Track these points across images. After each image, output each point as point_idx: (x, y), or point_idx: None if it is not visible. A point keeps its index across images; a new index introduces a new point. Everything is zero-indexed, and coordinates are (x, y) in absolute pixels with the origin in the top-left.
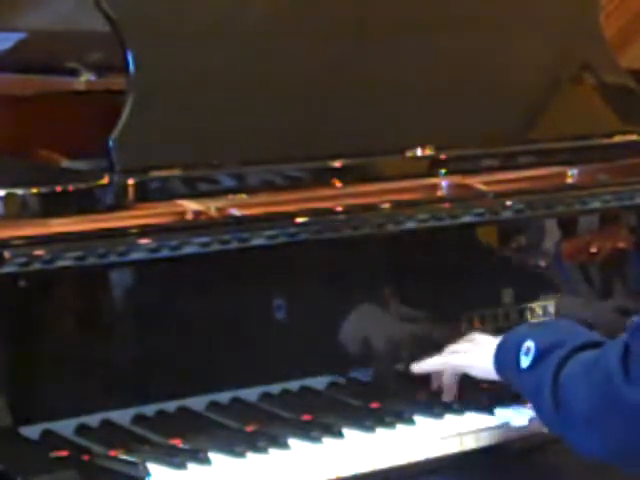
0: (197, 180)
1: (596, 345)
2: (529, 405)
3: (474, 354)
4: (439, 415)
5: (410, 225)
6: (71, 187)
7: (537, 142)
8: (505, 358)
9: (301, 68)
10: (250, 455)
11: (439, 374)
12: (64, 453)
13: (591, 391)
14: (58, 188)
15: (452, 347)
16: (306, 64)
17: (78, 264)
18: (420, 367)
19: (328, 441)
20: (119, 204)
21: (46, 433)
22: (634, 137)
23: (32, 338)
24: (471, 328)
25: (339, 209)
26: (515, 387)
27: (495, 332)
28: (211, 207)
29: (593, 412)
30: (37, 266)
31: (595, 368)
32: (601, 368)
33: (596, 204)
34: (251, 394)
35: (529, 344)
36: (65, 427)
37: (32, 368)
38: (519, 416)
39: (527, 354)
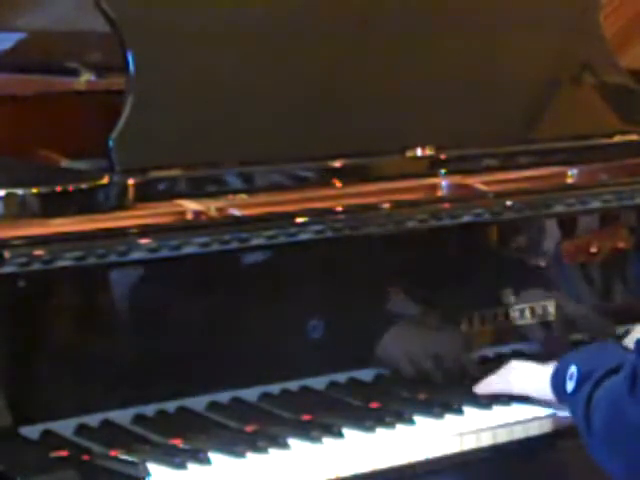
0: (197, 180)
1: (619, 369)
2: (529, 404)
3: (532, 384)
4: (439, 415)
5: (410, 225)
6: (71, 187)
7: (537, 142)
8: (557, 383)
9: (301, 68)
10: (250, 455)
11: None
12: (64, 453)
13: (606, 412)
14: (58, 188)
15: (513, 363)
16: (306, 64)
17: (78, 264)
18: (484, 389)
19: (328, 441)
20: (119, 204)
21: (46, 433)
22: (634, 137)
23: (32, 338)
24: (471, 328)
25: (339, 209)
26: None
27: (495, 332)
28: (211, 207)
29: (606, 432)
30: (37, 266)
31: (610, 390)
32: (614, 389)
33: (596, 204)
34: (251, 394)
35: (573, 369)
36: (65, 427)
37: (32, 368)
38: (518, 415)
39: (571, 379)
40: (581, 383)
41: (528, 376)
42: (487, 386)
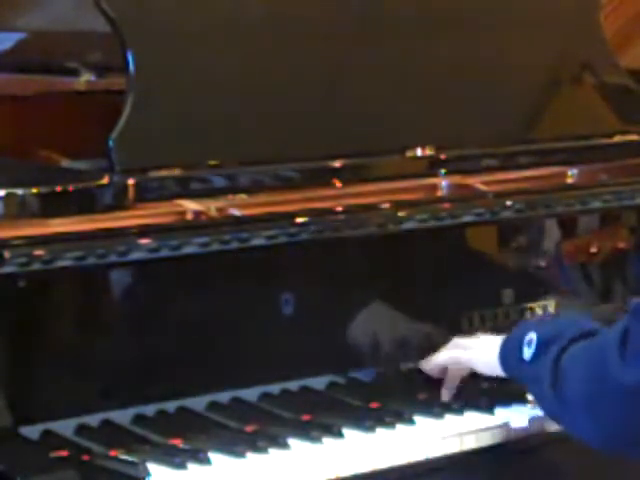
0: (197, 180)
1: (592, 334)
2: (529, 405)
3: (480, 350)
4: (439, 415)
5: (410, 225)
6: (71, 187)
7: (537, 142)
8: (509, 351)
9: (301, 68)
10: (250, 455)
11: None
12: (64, 453)
13: (587, 374)
14: (58, 188)
15: (457, 340)
16: (306, 64)
17: (78, 264)
18: (428, 363)
19: (328, 441)
20: (119, 204)
21: (46, 433)
22: (634, 137)
23: (32, 338)
24: (471, 328)
25: (339, 209)
26: (518, 380)
27: (495, 332)
28: (211, 207)
29: (588, 395)
30: (37, 266)
31: (592, 351)
32: (597, 350)
33: (596, 204)
34: (251, 394)
35: (531, 336)
36: (65, 427)
37: (32, 368)
38: (519, 416)
39: (529, 345)
40: (541, 350)
41: (477, 349)
42: (434, 359)
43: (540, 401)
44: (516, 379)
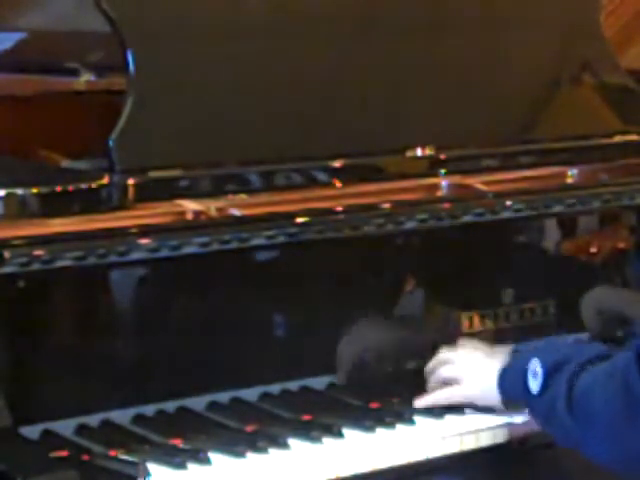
0: (197, 180)
1: (604, 357)
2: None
3: (475, 384)
4: (439, 415)
5: (410, 225)
6: (71, 187)
7: (537, 142)
8: (512, 385)
9: (301, 68)
10: (250, 455)
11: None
12: (64, 453)
13: (610, 402)
14: (58, 188)
15: (442, 356)
16: (306, 64)
17: (78, 264)
18: (424, 403)
19: (328, 441)
20: (119, 204)
21: (46, 433)
22: (634, 137)
23: (32, 338)
24: (471, 328)
25: (339, 209)
26: (528, 412)
27: (495, 332)
28: (211, 207)
29: (610, 417)
30: (37, 266)
31: (611, 378)
32: (619, 374)
33: (596, 204)
34: (251, 394)
35: (535, 365)
36: (65, 427)
37: (32, 368)
38: (518, 415)
39: (535, 376)
40: (549, 380)
41: (471, 382)
42: (429, 400)
43: (555, 431)
44: (522, 410)
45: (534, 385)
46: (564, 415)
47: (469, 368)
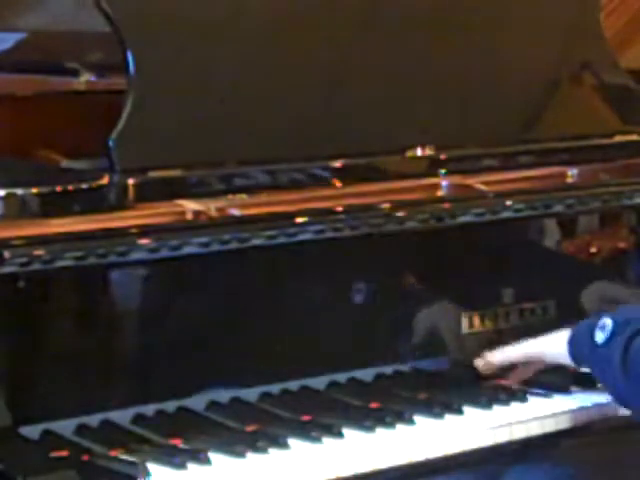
0: (197, 180)
1: None
2: (528, 404)
3: (548, 340)
4: (439, 415)
5: (410, 225)
6: (71, 187)
7: (537, 142)
8: (580, 336)
9: (301, 68)
10: (250, 455)
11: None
12: (64, 453)
13: None
14: (58, 188)
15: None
16: (307, 64)
17: (78, 264)
18: (496, 356)
19: (328, 441)
20: (119, 204)
21: (46, 433)
22: (634, 137)
23: (32, 338)
24: (471, 328)
25: (339, 209)
26: (587, 365)
27: (495, 332)
28: (211, 207)
29: None
30: (37, 266)
31: None
32: None
33: (596, 204)
34: (251, 394)
35: (606, 320)
36: (65, 427)
37: (32, 368)
38: (519, 415)
39: (603, 330)
40: (616, 332)
41: (546, 340)
42: (500, 352)
43: (609, 385)
44: (585, 364)
45: (600, 336)
46: (618, 371)
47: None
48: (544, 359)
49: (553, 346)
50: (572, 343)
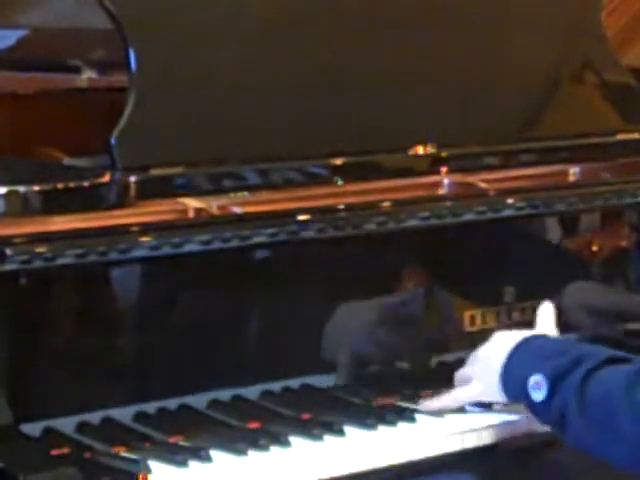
0: (198, 178)
1: (616, 360)
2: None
3: (482, 385)
4: (441, 413)
5: (411, 223)
6: (72, 185)
7: (538, 140)
8: (515, 392)
9: (303, 66)
10: (251, 453)
11: None
12: (65, 450)
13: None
14: (59, 186)
15: (460, 373)
16: (308, 62)
17: (79, 262)
18: (430, 406)
19: (329, 439)
20: (121, 202)
21: (47, 430)
22: (635, 135)
23: (33, 336)
24: (473, 326)
25: (340, 207)
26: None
27: (496, 331)
28: (212, 205)
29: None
30: (38, 264)
31: (637, 389)
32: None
33: (598, 202)
34: (252, 392)
35: (537, 378)
36: (66, 424)
37: (33, 365)
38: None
39: (539, 388)
40: (554, 389)
41: (478, 383)
42: (437, 404)
43: (565, 436)
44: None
45: (538, 395)
46: (576, 421)
47: (475, 369)
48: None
49: (488, 395)
50: (509, 395)
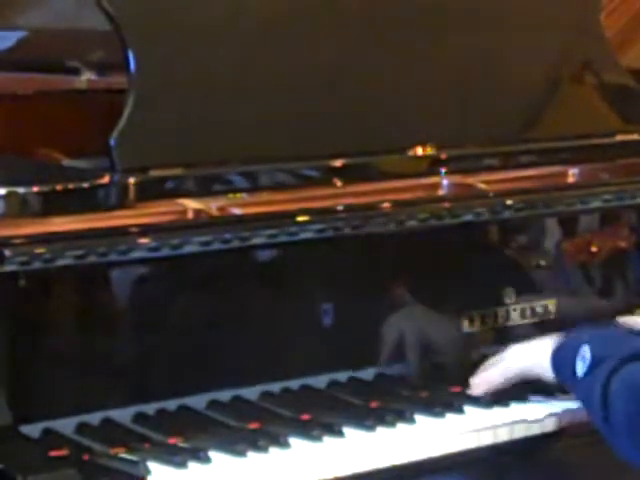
0: (198, 179)
1: None
2: (530, 403)
3: (530, 356)
4: (440, 414)
5: (411, 224)
6: (72, 186)
7: (538, 141)
8: (562, 363)
9: (302, 67)
10: (250, 454)
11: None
12: (64, 452)
13: (628, 403)
14: (59, 187)
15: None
16: (307, 63)
17: (79, 263)
18: (480, 387)
19: (329, 440)
20: (120, 203)
21: (46, 431)
22: (634, 136)
23: (32, 337)
24: (471, 328)
25: (340, 208)
26: (572, 391)
27: (496, 331)
28: (212, 206)
29: (628, 424)
30: (38, 265)
31: (632, 379)
32: (636, 379)
33: (597, 203)
34: (252, 393)
35: (585, 350)
36: (65, 425)
37: (32, 366)
38: (519, 415)
39: (583, 361)
40: (594, 367)
41: (526, 351)
42: (483, 371)
43: (591, 416)
44: (568, 388)
45: (580, 369)
46: (598, 406)
47: (520, 346)
48: (525, 377)
49: (536, 366)
50: (555, 366)
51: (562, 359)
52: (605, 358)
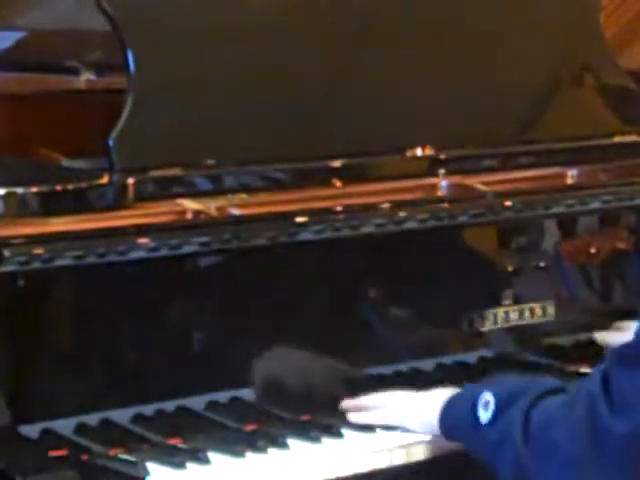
0: (197, 179)
1: (556, 390)
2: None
3: (414, 410)
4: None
5: (410, 225)
6: (71, 186)
7: (537, 142)
8: (457, 414)
9: (301, 68)
10: (249, 455)
11: None
12: (63, 452)
13: (574, 430)
14: (58, 187)
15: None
16: (306, 64)
17: (77, 263)
18: (358, 419)
19: (327, 441)
20: (119, 203)
21: (45, 432)
22: (633, 137)
23: (31, 337)
24: (472, 328)
25: (339, 209)
26: (467, 444)
27: (495, 332)
28: (211, 206)
29: (579, 451)
30: (37, 265)
31: (574, 407)
32: (581, 405)
33: (596, 204)
34: (250, 394)
35: (488, 397)
36: (64, 426)
37: (31, 367)
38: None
39: (486, 408)
40: (501, 411)
41: (410, 406)
42: (362, 415)
43: (501, 463)
44: (461, 441)
45: (484, 415)
46: (520, 447)
47: (403, 397)
48: (409, 427)
49: (420, 417)
50: (446, 418)
51: (456, 411)
52: (511, 401)
